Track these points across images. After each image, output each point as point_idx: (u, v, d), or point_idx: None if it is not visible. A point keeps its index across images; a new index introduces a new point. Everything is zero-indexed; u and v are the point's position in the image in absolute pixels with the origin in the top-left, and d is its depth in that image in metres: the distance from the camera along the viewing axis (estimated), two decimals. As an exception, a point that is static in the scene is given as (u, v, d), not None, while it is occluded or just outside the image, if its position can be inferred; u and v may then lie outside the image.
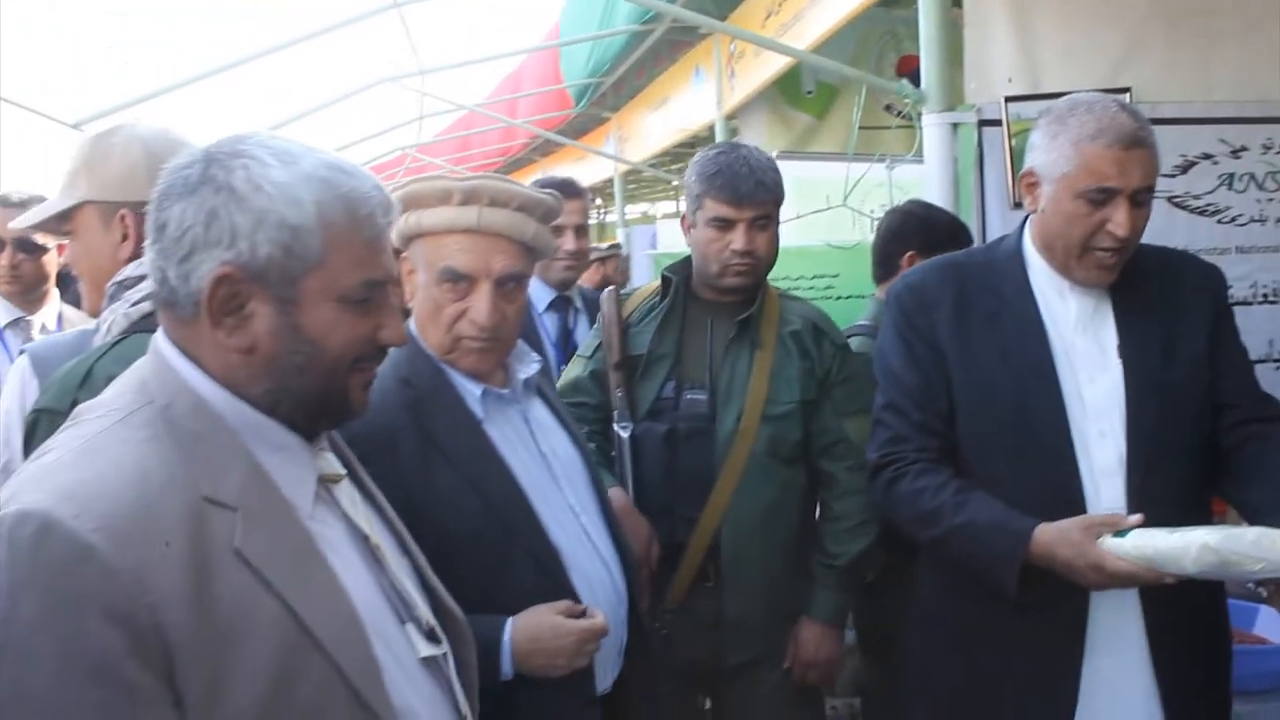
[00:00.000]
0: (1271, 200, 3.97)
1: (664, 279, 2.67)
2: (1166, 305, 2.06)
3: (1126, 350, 2.01)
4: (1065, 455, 1.97)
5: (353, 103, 7.53)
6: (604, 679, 1.98)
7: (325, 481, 1.37)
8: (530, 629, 1.81)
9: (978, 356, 2.04)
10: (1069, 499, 1.94)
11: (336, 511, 1.38)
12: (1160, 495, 1.91)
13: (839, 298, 3.56)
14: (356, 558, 1.36)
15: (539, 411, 2.09)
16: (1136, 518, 1.81)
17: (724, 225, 2.53)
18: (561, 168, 11.97)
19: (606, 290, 2.77)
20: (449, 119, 11.79)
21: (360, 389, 1.37)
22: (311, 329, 1.28)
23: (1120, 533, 1.80)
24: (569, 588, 1.90)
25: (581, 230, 3.59)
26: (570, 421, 2.17)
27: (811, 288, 3.60)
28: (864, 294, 3.39)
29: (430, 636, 1.42)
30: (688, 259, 2.69)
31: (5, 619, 1.06)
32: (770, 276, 3.55)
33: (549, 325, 3.52)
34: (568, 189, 3.34)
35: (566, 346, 3.49)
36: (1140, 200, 1.94)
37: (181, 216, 1.24)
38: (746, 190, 2.50)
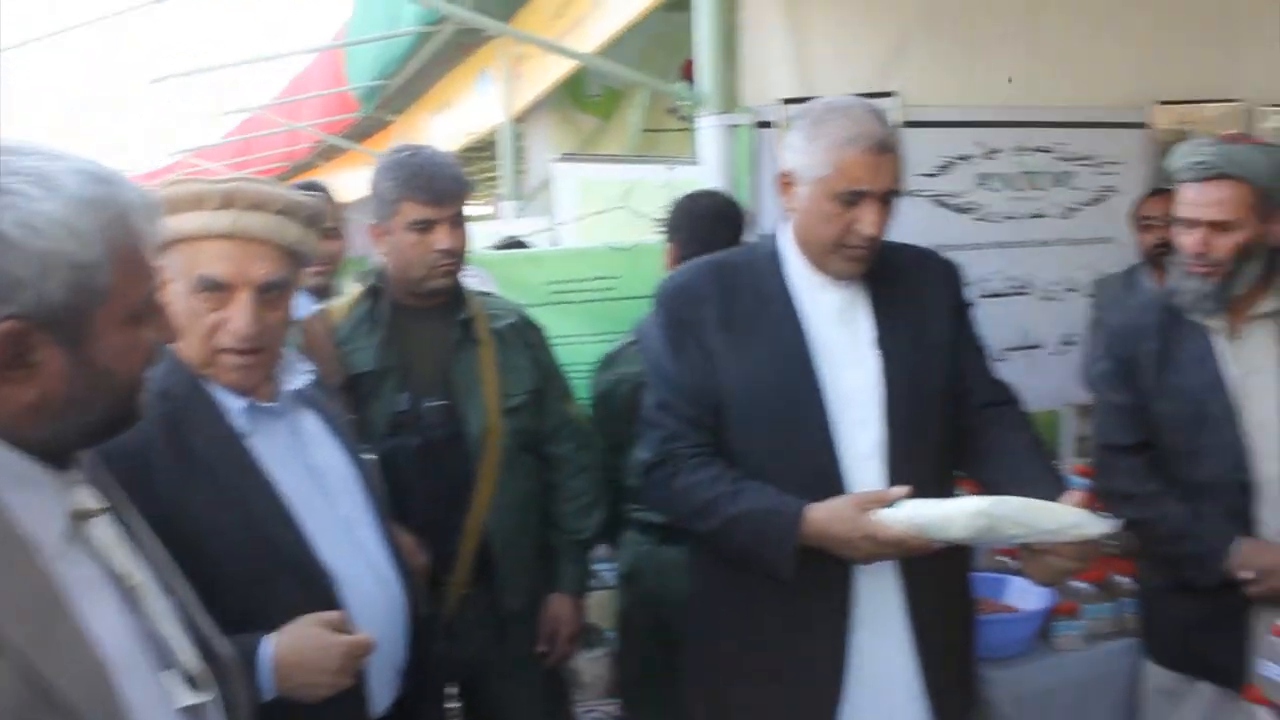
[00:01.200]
0: (1022, 199, 4.24)
1: (374, 290, 2.62)
2: (914, 298, 2.18)
3: (881, 342, 2.12)
4: (825, 443, 2.06)
5: (122, 105, 7.11)
6: (380, 700, 1.92)
7: (77, 518, 1.25)
8: (293, 644, 1.71)
9: (743, 352, 2.10)
10: (830, 484, 2.03)
11: (91, 550, 1.26)
12: (914, 477, 2.00)
13: (620, 299, 3.57)
14: (111, 600, 1.25)
15: (310, 424, 2.00)
16: (903, 490, 1.93)
17: (425, 227, 2.49)
18: (346, 173, 11.67)
19: (312, 311, 2.68)
20: (234, 122, 11.33)
21: (141, 395, 1.30)
22: (106, 358, 1.20)
23: (889, 505, 1.90)
24: (339, 606, 1.82)
25: (331, 234, 3.52)
26: (346, 433, 2.09)
27: (593, 289, 3.60)
28: (643, 295, 3.40)
29: (194, 682, 1.32)
30: (378, 270, 2.65)
31: None
32: (549, 279, 3.60)
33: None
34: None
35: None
36: (888, 201, 2.04)
37: None
38: (445, 188, 2.50)
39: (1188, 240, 2.39)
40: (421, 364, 2.57)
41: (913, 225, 3.76)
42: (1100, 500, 2.74)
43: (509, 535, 2.56)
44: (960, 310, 2.25)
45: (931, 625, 2.10)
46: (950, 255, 4.11)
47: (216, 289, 1.82)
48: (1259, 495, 2.39)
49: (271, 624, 1.74)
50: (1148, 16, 4.42)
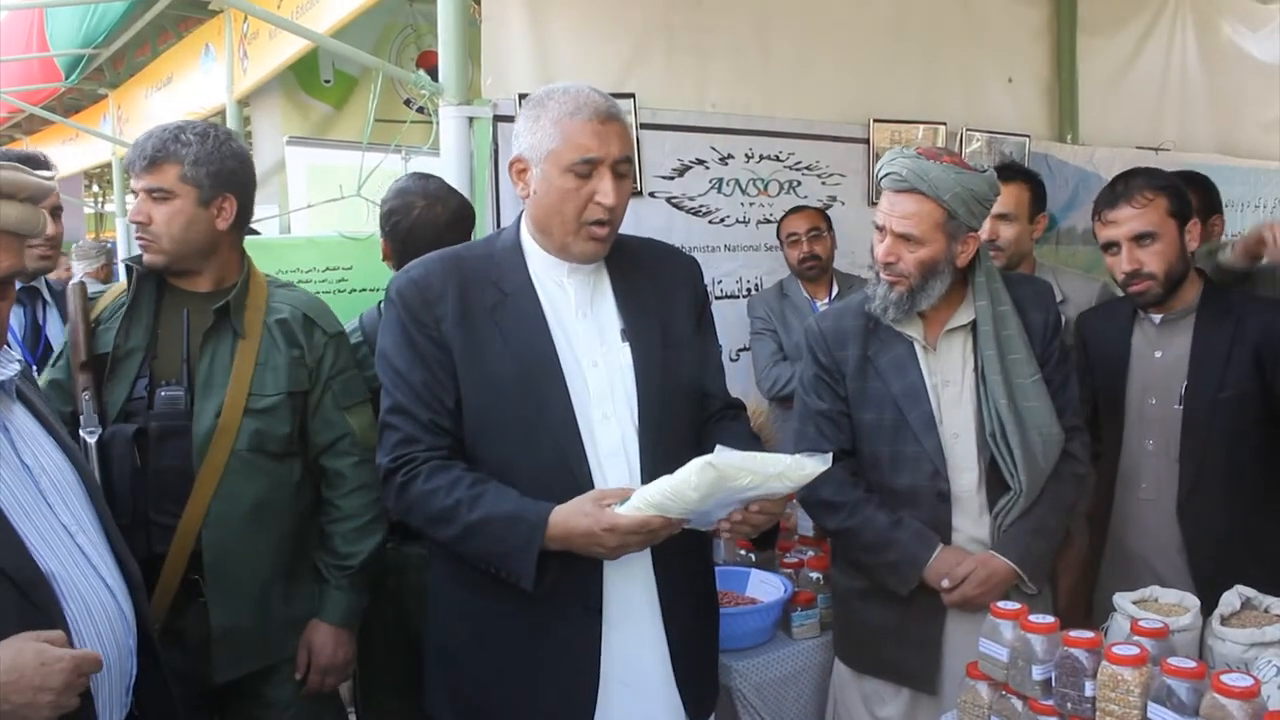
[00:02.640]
0: (753, 204, 4.41)
1: (128, 269, 2.44)
2: (659, 293, 2.17)
3: (631, 334, 2.10)
4: (572, 439, 2.02)
5: None
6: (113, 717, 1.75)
7: None
8: (9, 661, 1.54)
9: (483, 349, 2.03)
10: (577, 481, 1.99)
11: None
12: (663, 474, 1.96)
13: (353, 291, 3.44)
14: None
15: (21, 419, 1.80)
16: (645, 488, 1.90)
17: (137, 196, 2.40)
18: (52, 148, 10.74)
19: (71, 284, 2.48)
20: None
21: None
22: None
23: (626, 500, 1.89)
24: (59, 618, 1.65)
25: (55, 213, 3.21)
26: (61, 430, 1.89)
27: (324, 280, 3.45)
28: (378, 287, 3.31)
29: None
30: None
31: None
32: (279, 268, 3.42)
33: (13, 320, 3.10)
34: (34, 166, 2.95)
35: (37, 343, 3.10)
36: (621, 172, 2.02)
37: None
38: (133, 156, 2.37)
39: (879, 248, 2.46)
40: (169, 350, 2.38)
41: (649, 226, 3.85)
42: (805, 509, 2.84)
43: (227, 546, 2.33)
44: (702, 309, 2.25)
45: (681, 620, 2.10)
46: (685, 256, 4.26)
47: None
48: (955, 504, 2.45)
49: None
50: (868, 41, 4.72)
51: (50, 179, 1.75)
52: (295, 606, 2.45)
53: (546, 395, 2.02)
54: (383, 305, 2.22)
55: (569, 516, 1.90)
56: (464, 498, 1.95)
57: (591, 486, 2.00)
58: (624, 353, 2.09)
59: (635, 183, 4.01)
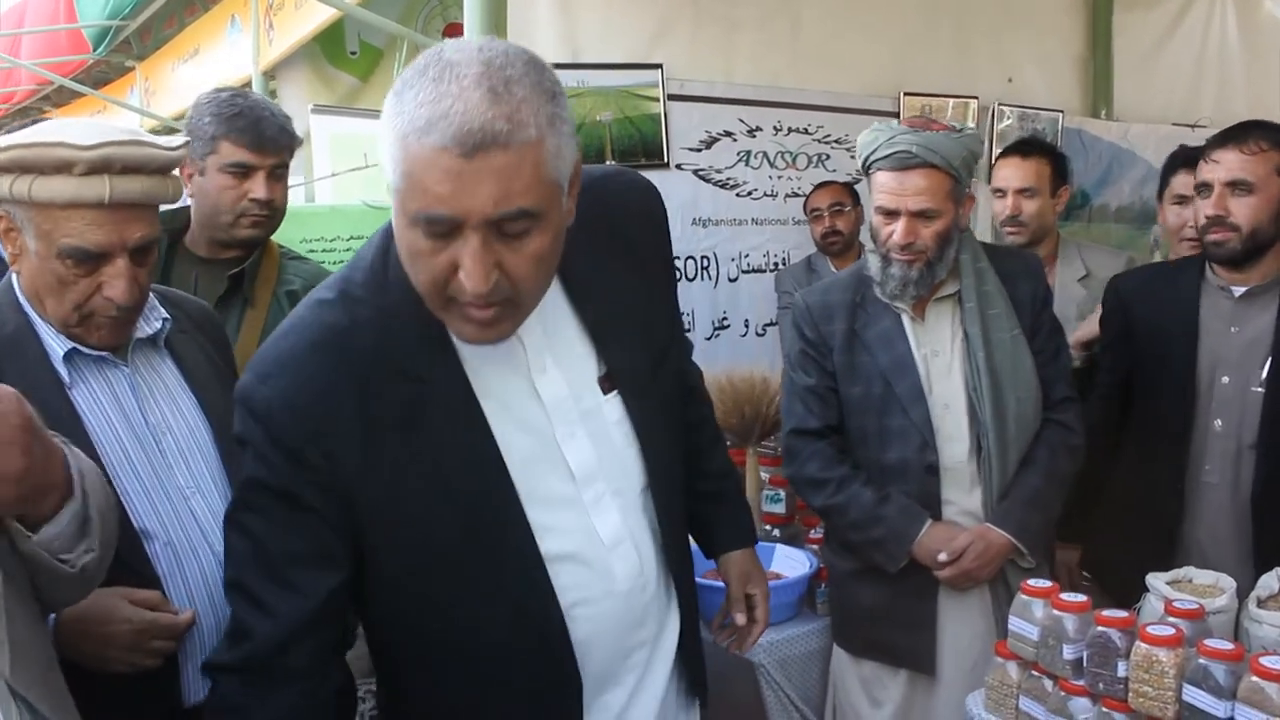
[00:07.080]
0: (781, 177, 4.36)
1: None
2: (625, 268, 1.52)
3: (616, 375, 1.49)
4: (537, 584, 1.41)
5: None
6: (198, 689, 1.73)
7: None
8: (82, 608, 1.54)
9: (401, 486, 1.41)
10: (551, 648, 1.45)
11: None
12: (678, 529, 1.66)
13: (377, 259, 3.41)
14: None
15: (165, 375, 1.83)
16: None
17: (243, 172, 2.37)
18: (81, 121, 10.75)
19: None
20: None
21: None
22: None
23: None
24: (151, 577, 1.69)
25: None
26: (212, 389, 1.88)
27: (348, 249, 3.42)
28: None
29: None
30: (176, 214, 2.47)
31: None
32: (303, 237, 3.40)
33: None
34: None
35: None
36: (514, 231, 1.20)
37: None
38: (269, 134, 2.38)
39: (893, 229, 2.37)
40: None
41: (676, 200, 3.81)
42: (793, 487, 2.79)
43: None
44: (664, 250, 1.62)
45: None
46: (713, 229, 4.22)
47: (89, 259, 1.67)
48: (945, 477, 2.42)
49: None
50: (899, 13, 4.65)
51: (177, 148, 1.74)
52: None
53: (498, 535, 1.38)
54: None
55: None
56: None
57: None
58: (611, 405, 1.47)
59: (662, 156, 3.96)
